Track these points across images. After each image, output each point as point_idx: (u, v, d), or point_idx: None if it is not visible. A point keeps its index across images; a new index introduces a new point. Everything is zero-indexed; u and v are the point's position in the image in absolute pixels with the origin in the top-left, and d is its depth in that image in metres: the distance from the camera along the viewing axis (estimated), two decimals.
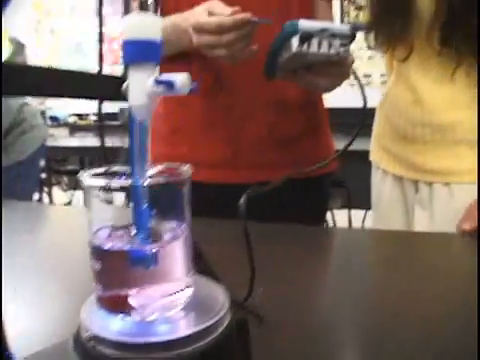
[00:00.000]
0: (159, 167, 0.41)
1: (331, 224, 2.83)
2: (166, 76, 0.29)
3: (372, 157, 1.15)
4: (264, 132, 0.97)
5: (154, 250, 0.37)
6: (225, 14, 0.76)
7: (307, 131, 1.02)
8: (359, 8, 3.80)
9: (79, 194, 4.50)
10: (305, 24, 0.71)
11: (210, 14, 0.78)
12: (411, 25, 0.98)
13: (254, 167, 0.98)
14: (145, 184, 0.35)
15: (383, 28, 1.03)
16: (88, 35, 5.51)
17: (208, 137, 0.98)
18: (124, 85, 0.32)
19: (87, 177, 0.36)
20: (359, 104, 0.71)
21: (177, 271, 0.39)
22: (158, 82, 0.28)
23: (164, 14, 1.01)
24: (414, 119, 1.00)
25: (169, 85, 0.29)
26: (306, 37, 0.71)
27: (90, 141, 3.85)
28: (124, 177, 0.36)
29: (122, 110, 5.15)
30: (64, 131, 4.61)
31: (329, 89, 0.85)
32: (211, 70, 0.92)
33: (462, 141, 0.95)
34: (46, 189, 3.99)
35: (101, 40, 0.38)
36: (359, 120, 0.70)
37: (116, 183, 0.35)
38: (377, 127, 1.14)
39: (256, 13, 0.78)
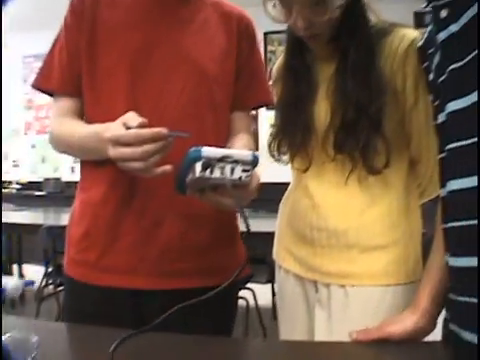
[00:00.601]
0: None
1: (252, 301, 2.85)
2: None
3: (275, 256, 1.19)
4: (175, 240, 0.98)
5: None
6: (131, 124, 0.80)
7: (219, 241, 1.04)
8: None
9: None
10: (208, 152, 0.76)
11: (126, 127, 0.82)
12: (310, 137, 1.06)
13: (164, 275, 0.99)
14: None
15: (285, 139, 1.11)
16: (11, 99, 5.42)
17: (118, 242, 0.99)
18: None
19: None
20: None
21: None
22: None
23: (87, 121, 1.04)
24: (311, 223, 1.06)
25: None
26: (208, 163, 0.76)
27: (13, 215, 3.55)
28: None
29: (47, 180, 5.02)
30: None
31: (235, 208, 0.88)
32: (125, 176, 0.93)
33: (354, 246, 1.02)
34: None
35: None
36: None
37: None
38: (279, 227, 1.20)
39: (172, 126, 0.82)
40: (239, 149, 0.97)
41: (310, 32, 0.99)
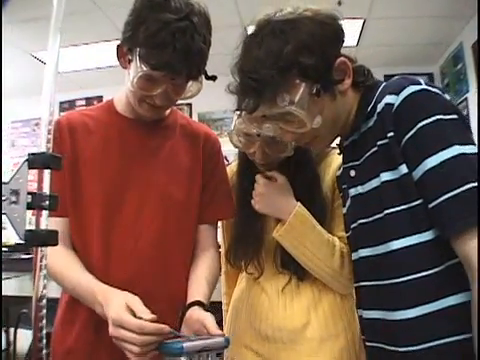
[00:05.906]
0: None
1: None
2: None
3: (230, 354, 1.24)
4: None
5: None
6: (144, 317, 0.85)
7: None
8: None
9: None
10: (188, 347, 0.83)
11: (129, 310, 0.87)
12: (260, 249, 1.21)
13: None
14: None
15: (239, 249, 1.24)
16: None
17: None
18: None
19: None
20: None
21: None
22: None
23: None
24: (273, 324, 1.17)
25: None
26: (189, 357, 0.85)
27: None
28: None
29: None
30: None
31: None
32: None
33: (313, 338, 1.14)
34: None
35: None
36: None
37: None
38: (237, 326, 1.26)
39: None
40: (203, 278, 1.09)
41: (264, 162, 1.16)
